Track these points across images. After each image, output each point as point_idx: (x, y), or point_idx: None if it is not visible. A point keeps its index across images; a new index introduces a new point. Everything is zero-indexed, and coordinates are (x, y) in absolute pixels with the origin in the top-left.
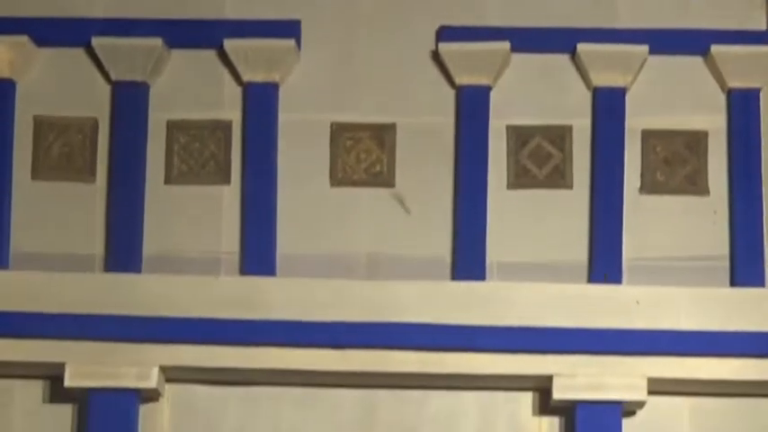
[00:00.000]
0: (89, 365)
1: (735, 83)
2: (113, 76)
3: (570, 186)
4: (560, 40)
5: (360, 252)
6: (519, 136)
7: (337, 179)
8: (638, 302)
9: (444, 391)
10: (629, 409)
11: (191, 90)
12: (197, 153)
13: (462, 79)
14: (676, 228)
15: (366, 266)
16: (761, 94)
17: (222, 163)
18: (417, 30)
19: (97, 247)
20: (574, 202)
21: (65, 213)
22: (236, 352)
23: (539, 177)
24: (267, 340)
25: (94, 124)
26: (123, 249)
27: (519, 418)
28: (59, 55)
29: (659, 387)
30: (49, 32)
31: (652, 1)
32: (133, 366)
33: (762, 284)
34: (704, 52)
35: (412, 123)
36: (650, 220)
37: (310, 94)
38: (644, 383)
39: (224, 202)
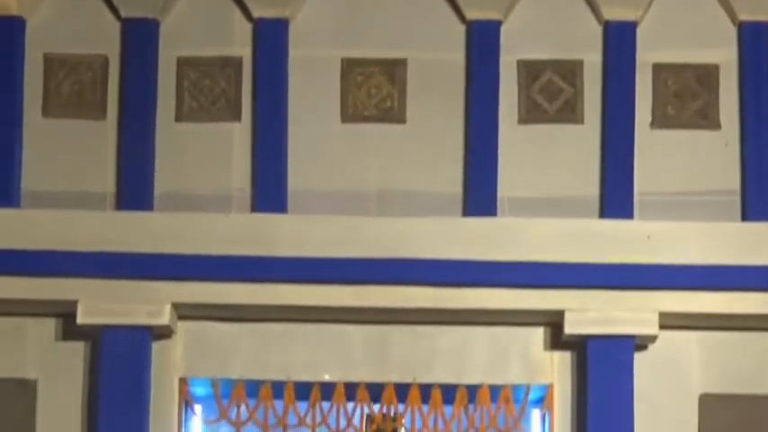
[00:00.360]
0: (101, 303)
1: (745, 16)
2: (123, 14)
3: (581, 121)
4: None
5: (371, 188)
6: (530, 71)
7: (348, 115)
8: (649, 237)
9: (456, 326)
10: (640, 343)
11: (201, 27)
12: (207, 90)
13: (473, 14)
14: (687, 162)
15: (377, 203)
16: None
17: (233, 100)
18: None
19: (108, 184)
20: (585, 137)
21: (76, 151)
22: (248, 288)
23: (549, 112)
24: (279, 277)
25: (105, 62)
26: (134, 187)
27: (531, 352)
28: None
29: (670, 321)
30: None
31: None
32: (145, 303)
33: None
34: None
35: (423, 59)
36: (661, 155)
37: (321, 30)
38: (655, 318)
39: (235, 140)
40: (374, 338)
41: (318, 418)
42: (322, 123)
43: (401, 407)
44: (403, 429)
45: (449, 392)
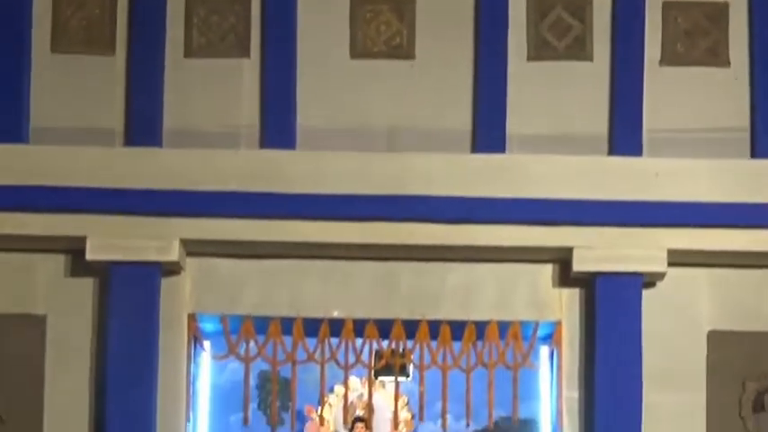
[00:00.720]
0: (110, 239)
1: None
2: None
3: (590, 58)
4: None
5: (380, 124)
6: (539, 7)
7: (357, 51)
8: (657, 174)
9: (464, 263)
10: (648, 280)
11: None
12: (216, 26)
13: None
14: (697, 100)
15: (386, 139)
16: None
17: (242, 36)
18: None
19: (117, 121)
20: (594, 75)
21: (84, 87)
22: (257, 225)
23: (559, 49)
24: (288, 213)
25: None
26: (143, 123)
27: (539, 289)
28: None
29: (679, 258)
30: None
31: None
32: (154, 240)
33: None
34: None
35: None
36: (670, 92)
37: None
38: (664, 255)
39: (244, 76)
40: (383, 275)
41: (327, 354)
42: (331, 60)
43: (409, 343)
44: (411, 365)
45: (457, 329)
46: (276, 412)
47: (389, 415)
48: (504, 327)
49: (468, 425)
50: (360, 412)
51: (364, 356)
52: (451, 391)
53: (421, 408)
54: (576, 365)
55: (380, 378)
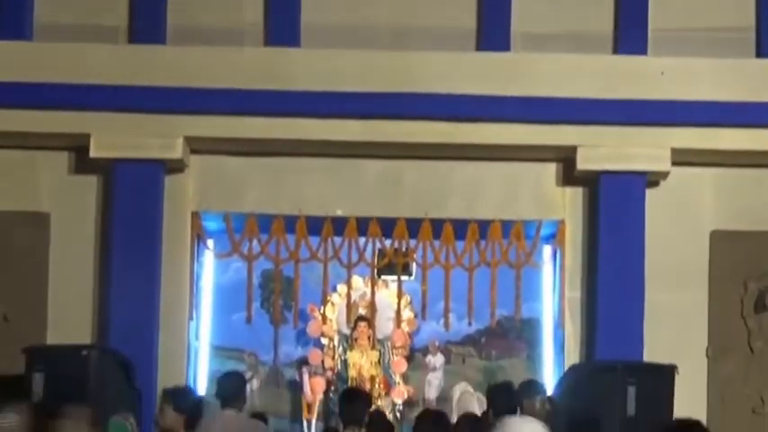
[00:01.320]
0: (114, 136)
1: None
2: None
3: None
4: None
5: (385, 22)
6: None
7: None
8: (662, 73)
9: (468, 161)
10: (652, 179)
11: None
12: None
13: None
14: None
15: (391, 36)
16: None
17: None
18: None
19: (121, 18)
20: None
21: None
22: (261, 122)
23: None
24: (292, 110)
25: None
26: (147, 20)
27: (543, 188)
28: None
29: (683, 157)
30: None
31: None
32: (158, 137)
33: None
34: None
35: None
36: None
37: None
38: (668, 154)
39: None
40: (386, 173)
41: (330, 253)
42: None
43: (412, 242)
44: (414, 264)
45: (460, 228)
46: (279, 311)
47: (392, 314)
48: (507, 226)
49: (470, 324)
50: (362, 311)
51: (367, 255)
52: (454, 291)
53: (423, 307)
54: (579, 265)
55: (383, 277)
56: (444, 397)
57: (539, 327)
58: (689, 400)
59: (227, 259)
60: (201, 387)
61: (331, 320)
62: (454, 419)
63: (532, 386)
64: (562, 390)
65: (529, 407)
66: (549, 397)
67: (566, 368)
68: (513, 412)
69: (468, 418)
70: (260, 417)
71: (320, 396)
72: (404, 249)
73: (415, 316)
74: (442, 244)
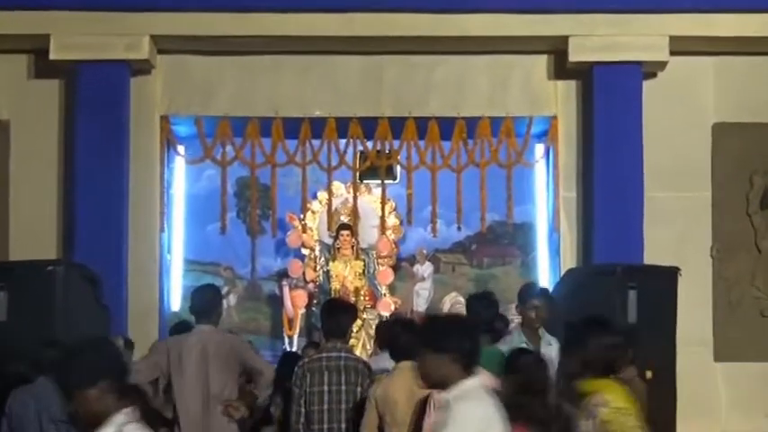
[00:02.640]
0: (76, 37)
1: None
2: None
3: None
4: None
5: None
6: None
7: None
8: None
9: (454, 55)
10: (649, 70)
11: None
12: None
13: None
14: None
15: None
16: None
17: None
18: None
19: None
20: None
21: None
22: (232, 18)
23: None
24: (264, 5)
25: None
26: None
27: (533, 82)
28: None
29: (682, 46)
30: None
31: None
32: (122, 36)
33: None
34: None
35: None
36: None
37: None
38: (665, 42)
39: None
40: (367, 70)
41: (309, 156)
42: None
43: (396, 142)
44: (398, 166)
45: (446, 126)
46: (256, 220)
47: (376, 221)
48: (496, 123)
49: (459, 229)
50: (345, 219)
51: (348, 158)
52: (441, 194)
53: (409, 211)
54: (574, 163)
55: (366, 181)
56: (434, 308)
57: (532, 231)
58: (693, 304)
59: (200, 165)
60: (175, 303)
61: (311, 229)
62: None
63: (524, 291)
64: (559, 296)
65: (524, 314)
66: (547, 296)
67: (562, 273)
68: (492, 325)
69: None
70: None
71: (302, 310)
72: (387, 151)
73: (401, 222)
74: (427, 144)
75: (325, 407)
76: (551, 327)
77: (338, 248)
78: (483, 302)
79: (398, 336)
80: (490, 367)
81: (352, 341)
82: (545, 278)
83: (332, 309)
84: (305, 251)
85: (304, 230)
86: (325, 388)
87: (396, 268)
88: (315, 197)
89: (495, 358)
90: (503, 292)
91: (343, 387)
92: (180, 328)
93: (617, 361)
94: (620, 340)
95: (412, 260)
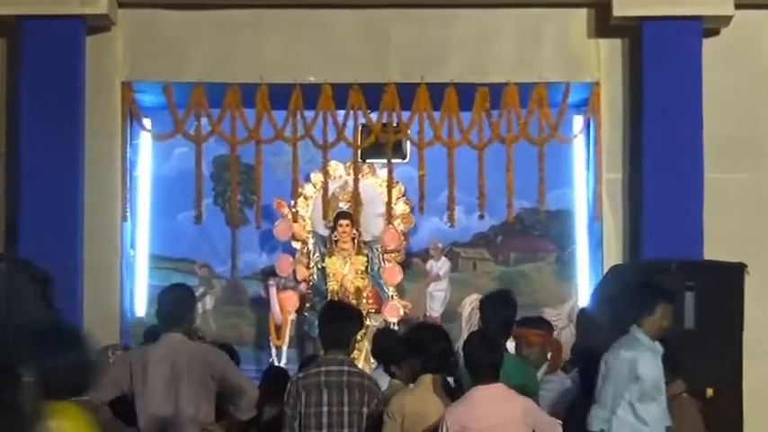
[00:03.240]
0: None
1: None
2: None
3: None
4: None
5: None
6: None
7: None
8: None
9: (475, 9)
10: (710, 26)
11: None
12: None
13: None
14: None
15: None
16: None
17: None
18: None
19: None
20: None
21: None
22: None
23: None
24: None
25: None
26: None
27: (570, 40)
28: None
29: None
30: None
31: None
32: None
33: None
34: None
35: None
36: None
37: None
38: None
39: None
40: (370, 27)
41: (300, 131)
42: None
43: (405, 114)
44: (408, 142)
45: (466, 94)
46: (237, 208)
47: (381, 209)
48: (525, 90)
49: (481, 217)
50: (344, 206)
51: (348, 133)
52: (460, 176)
53: (421, 197)
54: (619, 138)
55: (369, 161)
56: (451, 313)
57: (569, 220)
58: (762, 307)
59: (169, 142)
60: (140, 307)
61: (304, 219)
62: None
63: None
64: (599, 299)
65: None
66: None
67: (604, 271)
68: (507, 331)
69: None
70: (226, 348)
71: (292, 315)
72: (395, 124)
73: (411, 210)
74: (443, 115)
75: (324, 431)
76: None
77: (336, 241)
78: (498, 307)
79: (429, 344)
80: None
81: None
82: (584, 277)
83: (332, 314)
84: (296, 245)
85: (295, 220)
86: (325, 409)
87: (405, 265)
88: (308, 180)
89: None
90: (534, 294)
91: (346, 408)
92: (154, 334)
93: None
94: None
95: (425, 255)
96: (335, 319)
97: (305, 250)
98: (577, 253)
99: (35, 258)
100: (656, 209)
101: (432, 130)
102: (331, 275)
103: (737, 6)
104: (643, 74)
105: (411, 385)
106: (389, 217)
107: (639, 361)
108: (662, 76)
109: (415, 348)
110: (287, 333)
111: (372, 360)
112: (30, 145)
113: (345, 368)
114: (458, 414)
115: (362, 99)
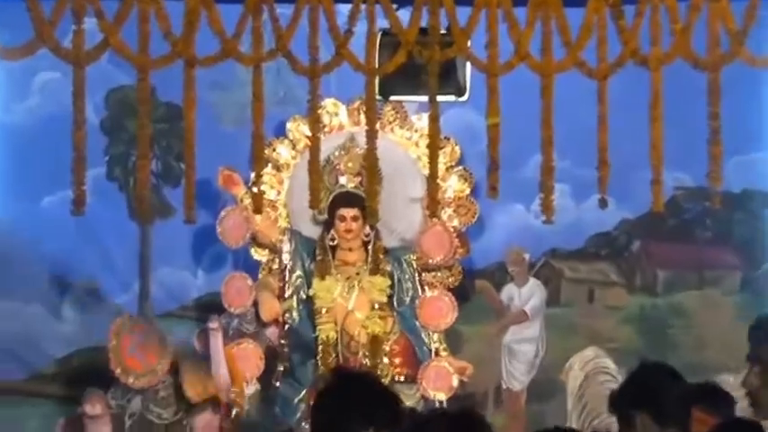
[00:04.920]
0: None
1: None
2: None
3: None
4: None
5: None
6: None
7: None
8: None
9: None
10: None
11: None
12: None
13: None
14: None
15: None
16: None
17: None
18: None
19: None
20: None
21: None
22: None
23: None
24: None
25: None
26: None
27: None
28: None
29: None
30: None
31: None
32: None
33: None
34: None
35: None
36: None
37: None
38: None
39: None
40: None
41: (269, 41)
42: None
43: (463, 12)
44: (468, 63)
45: None
46: (149, 184)
47: (418, 188)
48: None
49: (603, 205)
50: (347, 182)
51: (356, 45)
52: (559, 129)
53: (493, 167)
54: None
55: (394, 98)
56: (546, 383)
57: (763, 209)
58: None
59: (28, 62)
60: None
61: (274, 206)
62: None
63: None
64: None
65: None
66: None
67: None
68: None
69: None
70: None
71: (251, 387)
72: (443, 30)
73: (474, 192)
74: (531, 15)
75: None
76: None
77: (334, 248)
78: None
79: None
80: None
81: None
82: None
83: (334, 390)
84: (259, 255)
85: (257, 209)
86: None
87: (462, 293)
88: (281, 134)
89: None
90: (701, 348)
91: None
92: None
93: None
94: None
95: (498, 276)
96: (346, 402)
97: (275, 265)
98: None
99: None
100: None
101: (512, 42)
102: (323, 312)
103: None
104: None
105: None
106: (433, 204)
107: None
108: None
109: None
110: (243, 408)
111: None
112: None
113: None
114: None
115: None
